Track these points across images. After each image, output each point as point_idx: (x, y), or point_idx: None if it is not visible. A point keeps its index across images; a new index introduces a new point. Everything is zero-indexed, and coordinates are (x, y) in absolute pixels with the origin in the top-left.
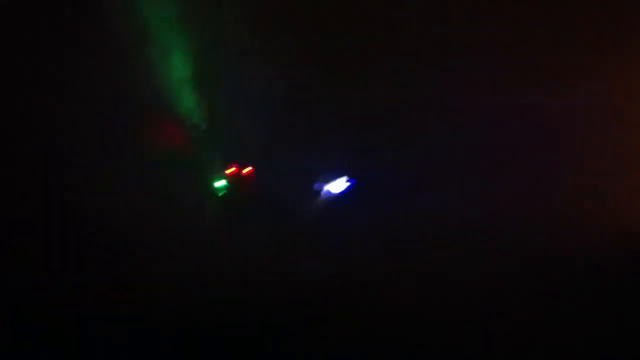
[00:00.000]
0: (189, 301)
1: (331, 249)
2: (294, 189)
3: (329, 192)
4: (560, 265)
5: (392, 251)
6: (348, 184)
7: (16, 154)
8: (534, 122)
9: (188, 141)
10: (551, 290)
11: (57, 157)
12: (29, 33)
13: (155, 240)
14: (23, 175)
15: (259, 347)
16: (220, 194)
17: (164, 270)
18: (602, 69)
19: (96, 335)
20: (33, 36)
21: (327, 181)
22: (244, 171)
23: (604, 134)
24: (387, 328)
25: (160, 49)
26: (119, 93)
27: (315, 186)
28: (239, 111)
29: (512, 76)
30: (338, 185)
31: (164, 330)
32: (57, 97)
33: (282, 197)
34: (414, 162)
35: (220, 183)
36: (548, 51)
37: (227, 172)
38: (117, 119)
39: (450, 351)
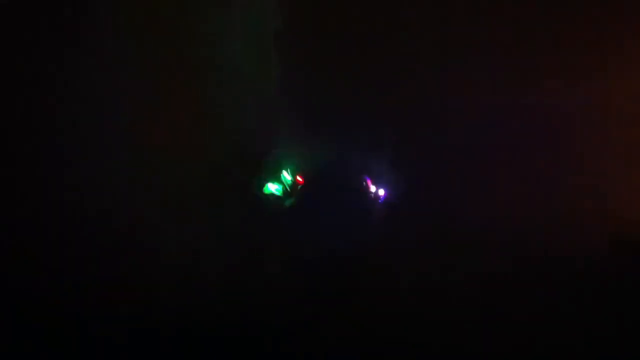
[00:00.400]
0: (189, 301)
1: (331, 248)
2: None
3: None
4: (560, 265)
5: (391, 251)
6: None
7: (16, 154)
8: (534, 122)
9: (195, 140)
10: (551, 290)
11: (57, 157)
12: (29, 33)
13: (156, 239)
14: (23, 175)
15: (259, 347)
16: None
17: (164, 270)
18: (602, 69)
19: (96, 335)
20: (33, 36)
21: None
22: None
23: (604, 134)
24: (387, 328)
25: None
26: (120, 92)
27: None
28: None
29: (512, 76)
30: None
31: (164, 330)
32: (57, 97)
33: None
34: (413, 162)
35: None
36: (548, 51)
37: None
38: (118, 119)
39: (450, 351)
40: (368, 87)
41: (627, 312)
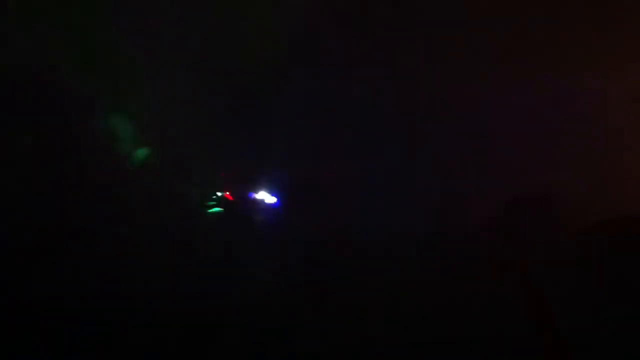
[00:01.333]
0: (187, 302)
1: (328, 248)
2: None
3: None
4: (560, 265)
5: (390, 251)
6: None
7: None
8: (533, 121)
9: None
10: (550, 290)
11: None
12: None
13: (155, 239)
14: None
15: (259, 347)
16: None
17: (163, 271)
18: (602, 69)
19: (95, 334)
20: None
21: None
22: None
23: (604, 133)
24: (386, 328)
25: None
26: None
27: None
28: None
29: (512, 76)
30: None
31: (163, 329)
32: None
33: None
34: (413, 162)
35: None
36: (548, 51)
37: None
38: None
39: (450, 351)
40: (365, 86)
41: (627, 312)
